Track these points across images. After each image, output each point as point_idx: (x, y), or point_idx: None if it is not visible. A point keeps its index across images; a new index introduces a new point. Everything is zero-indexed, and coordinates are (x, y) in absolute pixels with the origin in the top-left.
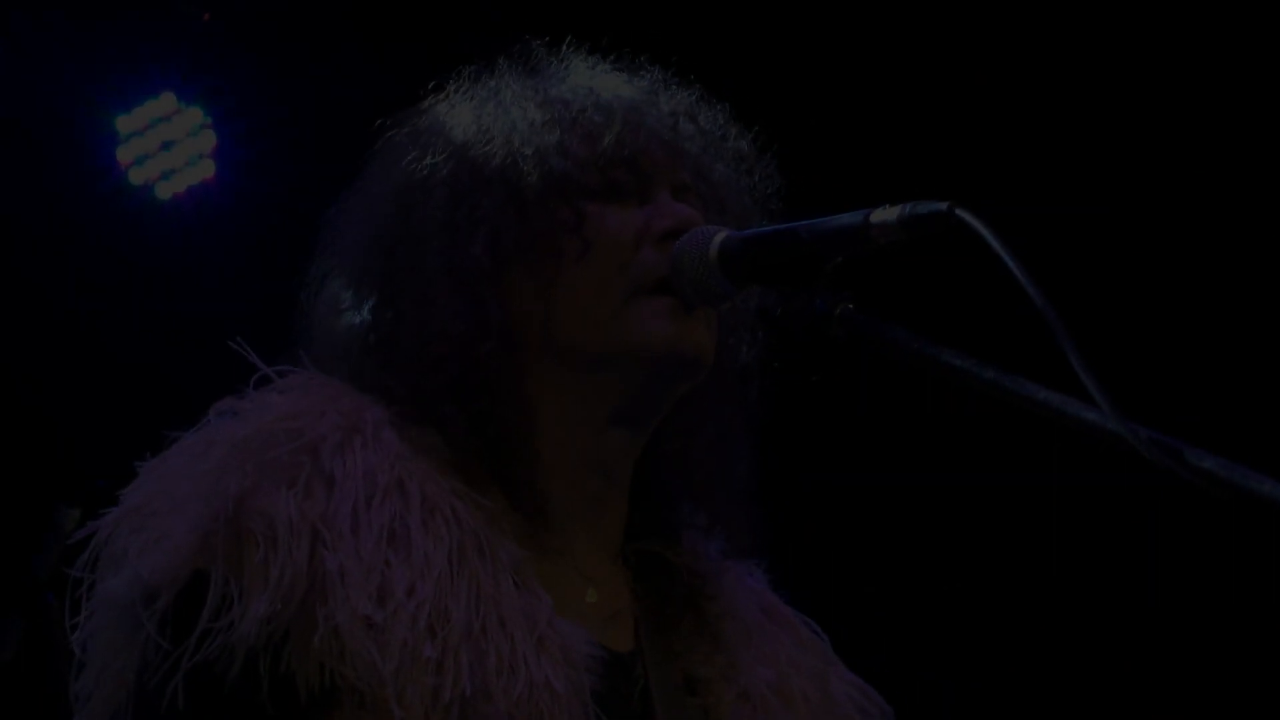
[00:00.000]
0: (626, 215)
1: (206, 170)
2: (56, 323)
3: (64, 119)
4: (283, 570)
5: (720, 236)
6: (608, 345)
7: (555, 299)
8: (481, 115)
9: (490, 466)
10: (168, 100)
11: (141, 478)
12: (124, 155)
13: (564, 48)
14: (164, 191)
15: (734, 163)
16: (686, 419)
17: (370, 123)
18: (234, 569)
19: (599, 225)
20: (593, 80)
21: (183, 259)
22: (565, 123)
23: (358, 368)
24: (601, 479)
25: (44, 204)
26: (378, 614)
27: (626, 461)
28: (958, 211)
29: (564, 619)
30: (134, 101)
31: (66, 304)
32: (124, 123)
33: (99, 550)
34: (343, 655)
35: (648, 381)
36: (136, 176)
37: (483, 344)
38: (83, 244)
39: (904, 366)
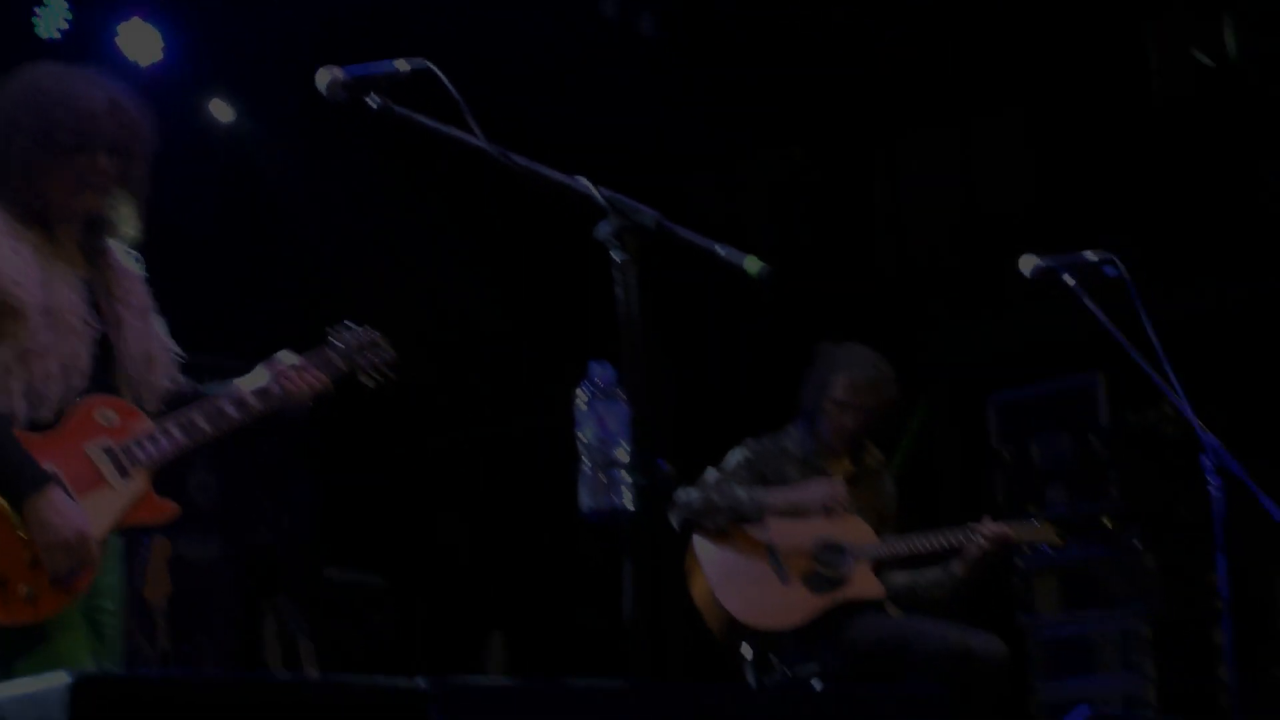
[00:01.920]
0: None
1: None
2: None
3: None
4: None
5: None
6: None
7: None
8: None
9: (29, 219)
10: None
11: None
12: None
13: None
14: None
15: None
16: None
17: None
18: None
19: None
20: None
21: None
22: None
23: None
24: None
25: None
26: (14, 273)
27: None
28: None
29: (70, 273)
30: None
31: None
32: None
33: None
34: (6, 290)
35: None
36: None
37: (35, 183)
38: None
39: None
